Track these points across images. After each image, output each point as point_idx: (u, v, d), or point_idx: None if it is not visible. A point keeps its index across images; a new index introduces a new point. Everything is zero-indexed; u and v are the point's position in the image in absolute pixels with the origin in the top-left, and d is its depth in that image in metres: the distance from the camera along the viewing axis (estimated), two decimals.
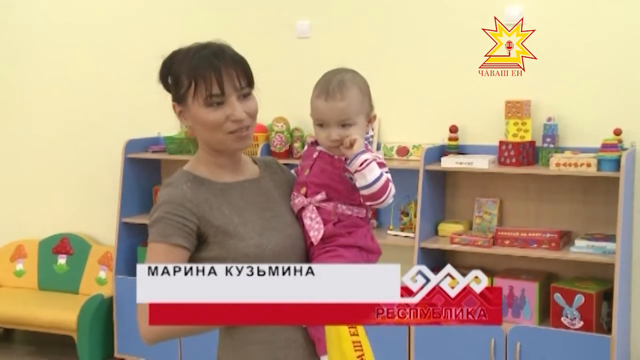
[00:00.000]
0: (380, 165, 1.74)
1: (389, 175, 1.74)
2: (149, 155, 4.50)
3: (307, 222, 1.75)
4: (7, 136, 5.21)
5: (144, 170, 4.56)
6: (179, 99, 1.71)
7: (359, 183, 1.70)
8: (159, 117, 4.58)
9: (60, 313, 4.47)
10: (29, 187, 5.15)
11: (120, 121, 4.75)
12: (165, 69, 1.74)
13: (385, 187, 1.71)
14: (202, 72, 1.65)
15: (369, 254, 1.79)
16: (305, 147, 1.88)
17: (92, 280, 4.79)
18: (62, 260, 4.92)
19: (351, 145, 1.71)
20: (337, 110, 1.73)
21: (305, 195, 1.77)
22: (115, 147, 4.55)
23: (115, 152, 4.53)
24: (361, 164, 1.69)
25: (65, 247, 4.92)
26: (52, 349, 4.76)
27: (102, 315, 4.45)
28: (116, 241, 4.46)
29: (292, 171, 1.90)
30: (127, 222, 4.46)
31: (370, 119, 1.80)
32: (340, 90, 1.73)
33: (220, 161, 1.76)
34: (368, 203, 1.74)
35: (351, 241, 1.75)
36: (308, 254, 1.77)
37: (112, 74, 4.78)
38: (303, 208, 1.77)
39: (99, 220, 4.86)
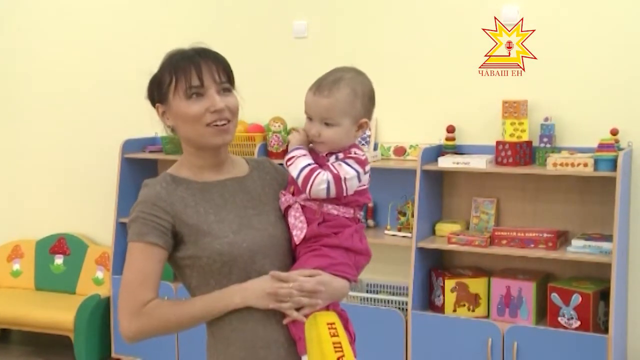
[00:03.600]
0: (359, 163, 1.75)
1: (337, 167, 1.72)
2: (146, 155, 4.50)
3: (291, 220, 1.76)
4: (3, 136, 5.20)
5: (141, 170, 4.55)
6: (161, 99, 1.75)
7: None
8: (156, 117, 4.57)
9: (57, 313, 4.47)
10: (26, 187, 5.14)
11: (117, 121, 4.74)
12: (151, 81, 1.79)
13: (307, 177, 1.71)
14: (182, 66, 1.70)
15: (357, 255, 1.78)
16: None
17: (89, 281, 4.78)
18: (59, 260, 4.91)
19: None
20: (320, 106, 1.73)
21: (292, 194, 1.78)
22: (112, 147, 4.55)
23: (112, 152, 4.53)
24: (287, 162, 1.76)
25: (62, 247, 4.92)
26: (49, 349, 4.75)
27: (99, 316, 4.44)
28: (113, 241, 4.45)
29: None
30: (124, 222, 4.44)
31: (361, 125, 1.77)
32: (330, 87, 1.73)
33: (202, 162, 1.77)
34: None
35: (336, 242, 1.74)
36: (294, 253, 1.78)
37: (109, 73, 4.77)
38: (289, 206, 1.78)
39: (96, 220, 4.86)
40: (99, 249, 4.81)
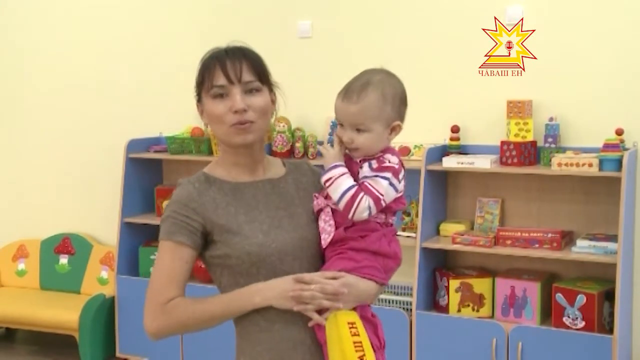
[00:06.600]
0: (394, 173, 1.71)
1: (375, 184, 1.69)
2: (150, 155, 4.50)
3: (321, 224, 1.75)
4: (8, 135, 5.21)
5: (146, 170, 4.56)
6: (199, 98, 1.76)
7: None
8: (160, 116, 4.59)
9: (62, 313, 4.48)
10: (31, 187, 5.15)
11: (121, 121, 4.75)
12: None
13: (349, 204, 1.67)
14: (208, 65, 1.71)
15: (385, 258, 1.77)
16: None
17: (94, 280, 4.79)
18: (63, 260, 4.92)
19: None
20: (350, 112, 1.71)
21: (325, 197, 1.76)
22: (116, 146, 4.55)
23: (117, 152, 4.53)
24: (325, 182, 1.71)
25: (67, 247, 4.93)
26: (54, 349, 4.76)
27: (104, 315, 4.45)
28: (118, 241, 4.46)
29: None
30: (128, 222, 4.46)
31: (393, 128, 1.75)
32: (358, 93, 1.70)
33: (236, 160, 1.77)
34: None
35: (363, 245, 1.73)
36: (324, 256, 1.77)
37: (114, 73, 4.78)
38: (321, 210, 1.77)
39: (101, 220, 4.87)
40: (104, 249, 4.82)
